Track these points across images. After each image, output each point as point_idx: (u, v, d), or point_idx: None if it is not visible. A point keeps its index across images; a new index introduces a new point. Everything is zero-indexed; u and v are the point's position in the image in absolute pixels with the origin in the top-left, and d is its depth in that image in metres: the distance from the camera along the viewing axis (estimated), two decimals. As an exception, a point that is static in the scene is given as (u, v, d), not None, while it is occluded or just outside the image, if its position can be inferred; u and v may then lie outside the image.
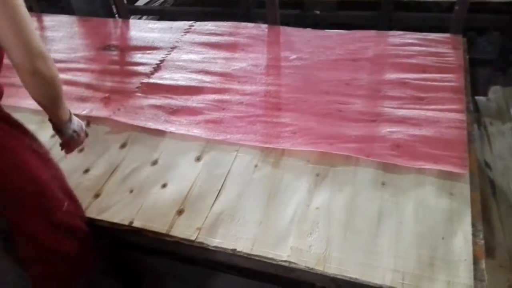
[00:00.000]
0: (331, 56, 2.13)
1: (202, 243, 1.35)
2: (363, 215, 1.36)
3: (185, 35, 2.46)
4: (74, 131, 1.31)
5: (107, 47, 2.44)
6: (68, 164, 1.64)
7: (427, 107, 1.73)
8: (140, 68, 2.21)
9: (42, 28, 2.73)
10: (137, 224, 1.44)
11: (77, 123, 1.34)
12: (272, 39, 2.35)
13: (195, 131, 1.76)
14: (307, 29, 2.40)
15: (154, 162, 1.67)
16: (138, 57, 2.32)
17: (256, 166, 1.59)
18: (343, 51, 2.16)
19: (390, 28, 2.70)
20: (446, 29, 2.20)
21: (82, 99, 2.03)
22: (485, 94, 2.37)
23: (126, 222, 1.45)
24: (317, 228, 1.34)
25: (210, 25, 2.52)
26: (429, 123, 1.65)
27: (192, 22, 2.59)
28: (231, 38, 2.38)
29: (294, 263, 1.26)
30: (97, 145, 1.78)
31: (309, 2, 3.18)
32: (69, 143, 1.34)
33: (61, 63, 2.31)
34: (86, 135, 1.41)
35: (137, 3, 3.93)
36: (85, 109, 1.95)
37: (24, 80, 1.08)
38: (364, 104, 1.79)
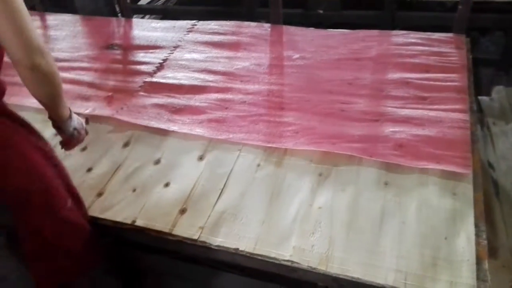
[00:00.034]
0: (334, 56, 2.13)
1: (204, 242, 1.35)
2: (365, 215, 1.36)
3: (188, 34, 2.46)
4: (75, 129, 1.31)
5: (110, 46, 2.45)
6: (71, 162, 1.64)
7: (430, 107, 1.73)
8: (143, 67, 2.21)
9: (45, 27, 2.74)
10: (139, 223, 1.44)
11: (77, 121, 1.34)
12: (275, 38, 2.35)
13: (198, 130, 1.76)
14: (310, 28, 2.40)
15: (157, 161, 1.67)
16: (141, 56, 2.32)
17: (258, 165, 1.59)
18: (346, 51, 2.15)
19: (393, 27, 2.70)
20: (449, 28, 2.20)
21: (85, 98, 2.03)
22: (488, 94, 2.37)
23: (128, 221, 1.45)
24: (319, 227, 1.34)
25: (213, 24, 2.53)
26: (432, 123, 1.64)
27: (195, 21, 2.59)
28: (234, 37, 2.38)
29: (297, 262, 1.26)
30: (100, 144, 1.78)
31: (312, 2, 3.18)
32: (70, 140, 1.34)
33: (64, 62, 2.31)
34: (86, 132, 1.41)
35: (140, 2, 3.94)
36: (88, 108, 1.95)
37: (23, 76, 1.08)
38: (367, 103, 1.79)
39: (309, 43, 2.25)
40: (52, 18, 2.82)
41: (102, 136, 1.82)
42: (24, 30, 1.01)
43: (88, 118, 1.43)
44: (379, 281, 1.18)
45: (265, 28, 2.44)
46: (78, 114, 1.39)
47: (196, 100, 1.93)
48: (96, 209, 1.51)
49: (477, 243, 1.24)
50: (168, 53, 2.30)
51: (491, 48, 3.08)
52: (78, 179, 1.60)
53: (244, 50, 2.27)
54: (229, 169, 1.59)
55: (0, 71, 1.14)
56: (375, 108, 1.76)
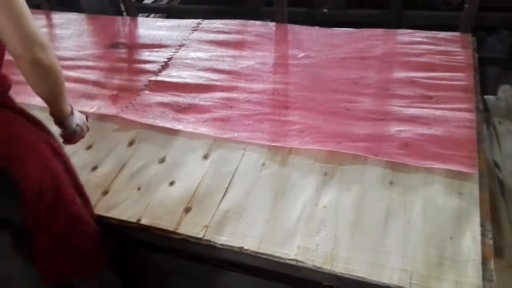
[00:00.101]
0: (339, 55, 2.13)
1: (209, 241, 1.35)
2: (370, 214, 1.36)
3: (193, 33, 2.46)
4: (77, 125, 1.32)
5: (115, 45, 2.45)
6: (77, 161, 1.64)
7: (436, 106, 1.72)
8: (148, 66, 2.22)
9: (51, 25, 2.75)
10: (144, 221, 1.44)
11: (79, 117, 1.34)
12: (279, 37, 2.35)
13: (203, 129, 1.76)
14: (315, 27, 2.39)
15: (162, 160, 1.67)
16: (146, 55, 2.33)
17: (263, 164, 1.59)
18: (351, 50, 2.15)
19: (399, 26, 2.69)
20: (456, 27, 2.19)
21: (91, 97, 2.04)
22: (494, 93, 2.35)
23: (133, 220, 1.46)
24: (324, 227, 1.34)
25: (218, 23, 2.53)
26: (438, 122, 1.64)
27: (200, 20, 2.59)
28: (239, 36, 2.38)
29: (301, 261, 1.26)
30: (105, 142, 1.79)
31: (317, 0, 3.17)
32: (72, 136, 1.35)
33: (70, 61, 2.32)
34: (87, 129, 1.41)
35: (145, 1, 3.94)
36: (93, 106, 1.96)
37: (25, 71, 1.07)
38: (372, 102, 1.79)
39: (314, 42, 2.24)
40: (58, 17, 2.83)
41: (107, 134, 1.82)
42: (24, 24, 1.01)
43: (88, 115, 1.44)
44: (384, 280, 1.18)
45: (270, 27, 2.44)
46: (83, 112, 1.40)
47: (201, 99, 1.93)
48: (101, 208, 1.51)
49: (483, 243, 1.24)
50: (173, 52, 2.30)
51: (498, 47, 3.06)
52: (84, 178, 1.60)
53: (249, 49, 2.27)
54: (233, 168, 1.59)
55: (1, 67, 1.15)
56: (380, 107, 1.75)
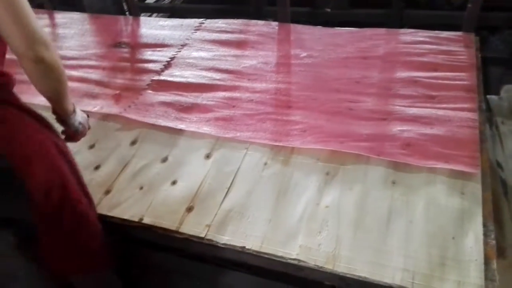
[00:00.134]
0: (342, 54, 2.12)
1: (211, 240, 1.36)
2: (373, 214, 1.36)
3: (196, 32, 2.47)
4: (80, 123, 1.33)
5: (118, 44, 2.45)
6: (79, 160, 1.64)
7: (438, 105, 1.72)
8: (150, 66, 2.22)
9: (54, 25, 2.75)
10: (147, 220, 1.45)
11: (81, 115, 1.35)
12: (282, 36, 2.35)
13: (205, 129, 1.76)
14: (318, 27, 2.39)
15: (164, 159, 1.67)
16: (148, 54, 2.33)
17: (265, 164, 1.59)
18: (354, 49, 2.15)
19: (401, 26, 2.68)
20: (458, 27, 2.18)
21: (93, 96, 2.04)
22: (497, 93, 2.34)
23: (136, 219, 1.46)
24: (326, 226, 1.34)
25: (220, 23, 2.52)
26: (440, 122, 1.63)
27: (202, 19, 2.59)
28: (242, 36, 2.38)
29: (303, 261, 1.26)
30: (108, 142, 1.79)
31: (320, 0, 3.17)
32: (74, 135, 1.35)
33: (73, 60, 2.32)
34: (89, 127, 1.42)
35: (148, 1, 3.95)
36: (96, 106, 1.96)
37: (28, 69, 1.08)
38: (374, 102, 1.79)
39: (316, 42, 2.24)
40: (61, 16, 2.84)
41: (110, 134, 1.83)
42: (26, 23, 1.02)
43: (89, 114, 1.44)
44: (386, 280, 1.18)
45: (272, 26, 2.44)
46: (84, 111, 1.40)
47: (203, 99, 1.93)
48: (104, 207, 1.51)
49: (485, 243, 1.24)
50: (176, 51, 2.30)
51: (501, 47, 3.05)
52: (86, 177, 1.60)
53: (252, 48, 2.27)
54: (236, 167, 1.59)
55: (3, 64, 1.15)
56: (383, 106, 1.75)
